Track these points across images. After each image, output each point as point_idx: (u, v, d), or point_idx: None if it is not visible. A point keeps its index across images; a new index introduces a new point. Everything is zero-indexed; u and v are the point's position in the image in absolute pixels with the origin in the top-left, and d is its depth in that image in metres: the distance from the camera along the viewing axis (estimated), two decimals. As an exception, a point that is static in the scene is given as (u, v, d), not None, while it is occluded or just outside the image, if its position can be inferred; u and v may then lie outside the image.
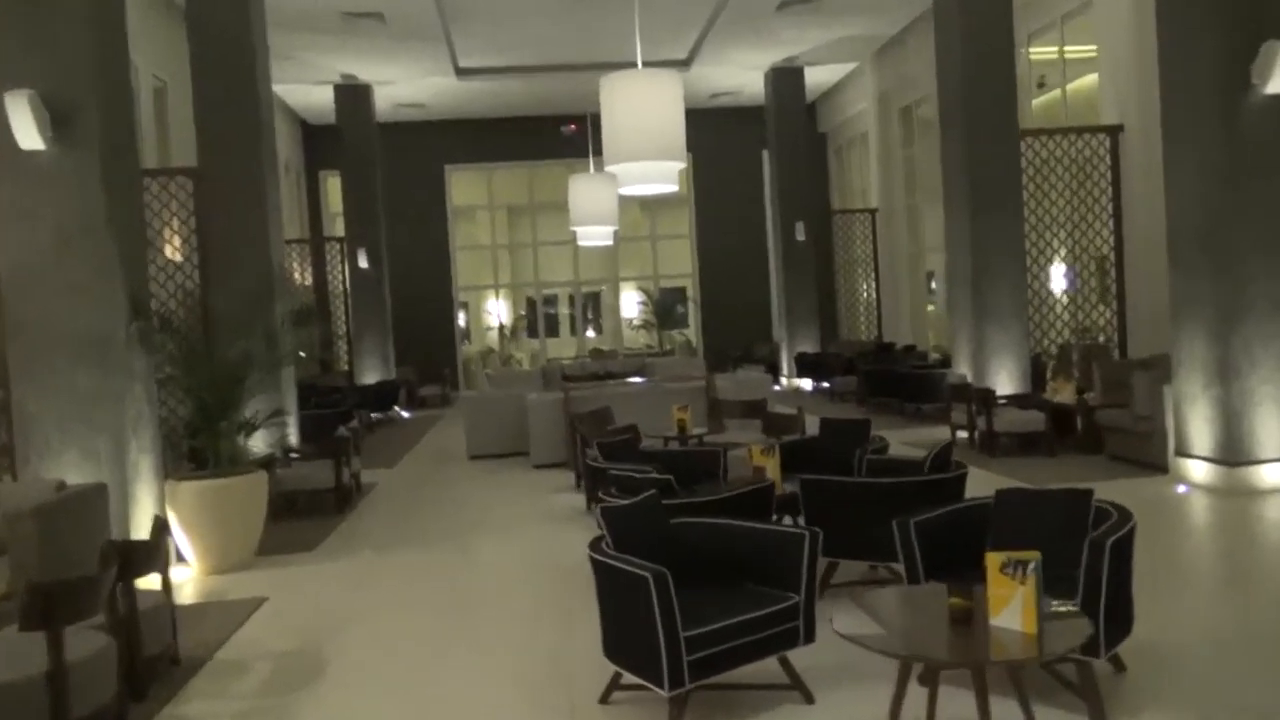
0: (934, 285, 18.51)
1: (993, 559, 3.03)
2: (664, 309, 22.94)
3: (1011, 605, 2.99)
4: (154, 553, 4.68)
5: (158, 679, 4.57)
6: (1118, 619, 3.59)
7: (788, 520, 5.68)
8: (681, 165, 8.18)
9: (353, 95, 17.65)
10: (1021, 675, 3.34)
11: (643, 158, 7.99)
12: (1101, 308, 12.13)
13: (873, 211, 19.25)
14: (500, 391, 11.80)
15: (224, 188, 9.85)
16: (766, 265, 22.28)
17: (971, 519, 4.11)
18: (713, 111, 21.22)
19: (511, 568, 6.58)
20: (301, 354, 10.06)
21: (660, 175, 8.34)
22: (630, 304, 25.64)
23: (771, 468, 5.55)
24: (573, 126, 20.87)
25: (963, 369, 11.15)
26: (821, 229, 19.56)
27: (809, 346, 18.36)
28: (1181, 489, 7.52)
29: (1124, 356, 11.39)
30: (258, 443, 8.79)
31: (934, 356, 16.06)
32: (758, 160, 21.87)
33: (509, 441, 11.30)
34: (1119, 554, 3.54)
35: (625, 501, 3.95)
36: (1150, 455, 8.11)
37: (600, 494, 4.78)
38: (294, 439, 9.92)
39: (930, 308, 18.51)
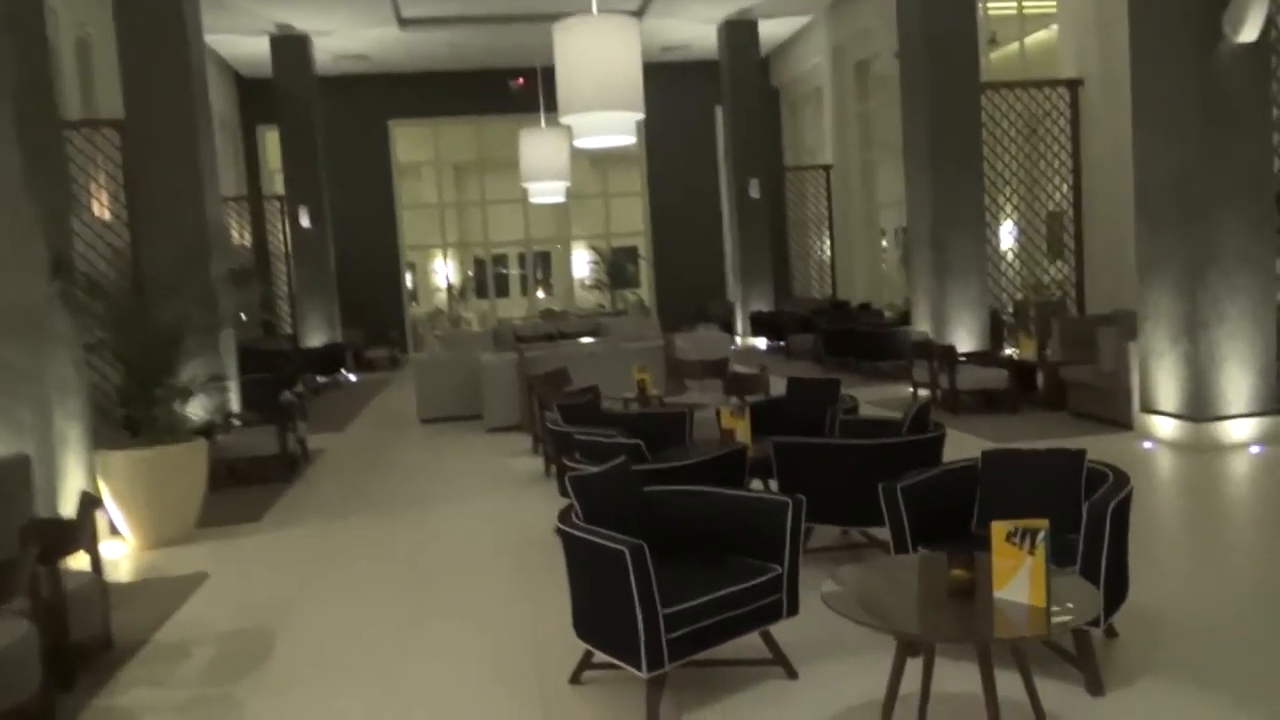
0: (885, 243, 18.43)
1: (999, 528, 2.83)
2: (616, 268, 22.59)
3: (1018, 577, 2.80)
4: (80, 530, 4.32)
5: (88, 667, 4.24)
6: (1115, 586, 3.43)
7: (757, 484, 5.48)
8: (640, 116, 7.88)
9: (290, 46, 16.89)
10: (1024, 649, 3.16)
11: (599, 108, 7.74)
12: (1060, 264, 12.09)
13: (827, 168, 19.04)
14: (452, 353, 11.43)
15: (153, 141, 9.27)
16: (720, 223, 22.04)
17: (958, 482, 3.92)
18: (664, 66, 20.70)
19: (471, 538, 6.30)
20: (242, 316, 9.59)
21: (617, 126, 8.06)
22: (581, 263, 25.26)
23: (742, 430, 5.33)
24: (521, 81, 20.29)
25: (923, 327, 11.04)
26: (775, 186, 19.32)
27: (763, 305, 18.21)
28: (1147, 445, 7.48)
29: (1082, 313, 11.37)
30: (196, 409, 8.36)
31: (889, 314, 16.02)
32: (710, 116, 21.51)
33: (462, 404, 10.97)
34: (1119, 519, 3.37)
35: (595, 469, 3.69)
36: (1115, 412, 8.06)
37: (564, 460, 4.51)
38: (236, 405, 9.48)
39: (884, 265, 18.44)
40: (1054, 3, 12.25)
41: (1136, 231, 7.72)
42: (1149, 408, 7.59)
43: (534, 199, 14.26)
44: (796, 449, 4.79)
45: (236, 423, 8.52)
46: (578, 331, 15.96)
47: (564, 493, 5.86)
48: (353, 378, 17.13)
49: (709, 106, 21.21)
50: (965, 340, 10.55)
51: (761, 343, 17.31)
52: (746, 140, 18.21)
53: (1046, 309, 11.71)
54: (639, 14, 17.56)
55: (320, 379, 15.25)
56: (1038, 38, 13.07)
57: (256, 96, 19.23)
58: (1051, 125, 11.45)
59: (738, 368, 8.82)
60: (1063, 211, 12.01)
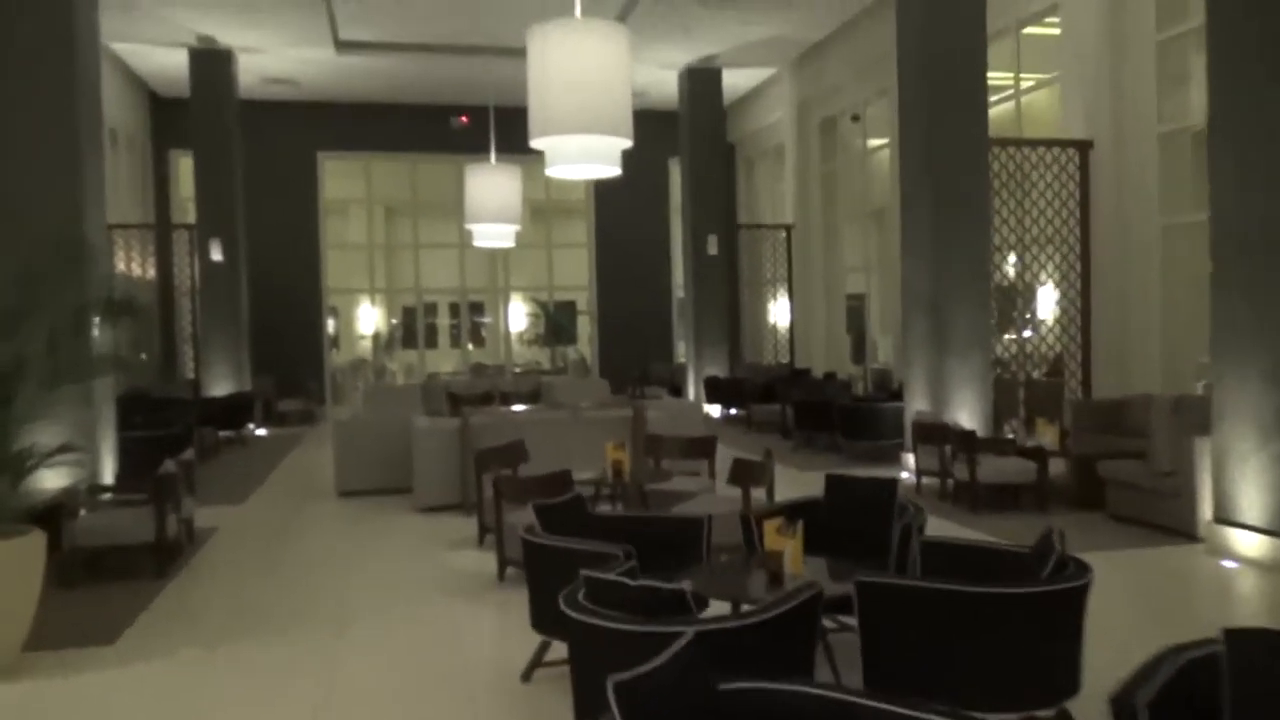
0: (869, 311, 17.43)
1: None
2: (556, 323, 21.14)
3: None
4: None
5: None
6: None
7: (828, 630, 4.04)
8: (628, 143, 6.55)
9: (211, 61, 15.22)
10: None
11: (581, 131, 6.45)
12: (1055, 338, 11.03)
13: (788, 228, 18.01)
14: (377, 414, 9.79)
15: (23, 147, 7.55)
16: (669, 280, 20.87)
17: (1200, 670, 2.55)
18: (618, 112, 19.63)
19: (405, 676, 4.70)
20: (141, 355, 7.87)
21: (601, 154, 6.73)
22: (517, 316, 23.75)
23: (793, 555, 3.91)
24: (464, 119, 18.95)
25: (919, 404, 9.83)
26: (728, 245, 18.19)
27: (717, 369, 16.95)
28: (1227, 564, 6.27)
29: (1088, 395, 10.32)
30: (50, 481, 6.62)
31: (860, 387, 14.90)
32: (663, 169, 20.46)
33: (388, 474, 9.33)
34: None
35: (651, 665, 2.22)
36: (1173, 519, 6.88)
37: (565, 604, 3.03)
38: (109, 473, 7.69)
39: (846, 332, 17.39)
40: (1051, 73, 11.46)
41: (1213, 300, 6.59)
42: (1226, 518, 6.40)
43: (479, 242, 12.78)
44: (892, 594, 3.38)
45: (106, 498, 6.76)
46: (518, 392, 14.44)
47: (539, 625, 4.35)
48: (261, 432, 15.25)
49: (662, 159, 20.16)
50: (965, 420, 9.36)
51: (715, 410, 15.99)
52: (705, 194, 17.11)
53: (1055, 389, 10.66)
54: (597, 54, 16.41)
55: (223, 433, 13.36)
56: (1034, 98, 12.23)
57: (171, 117, 17.44)
58: (1060, 189, 10.49)
59: (742, 453, 7.38)
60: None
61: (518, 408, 9.91)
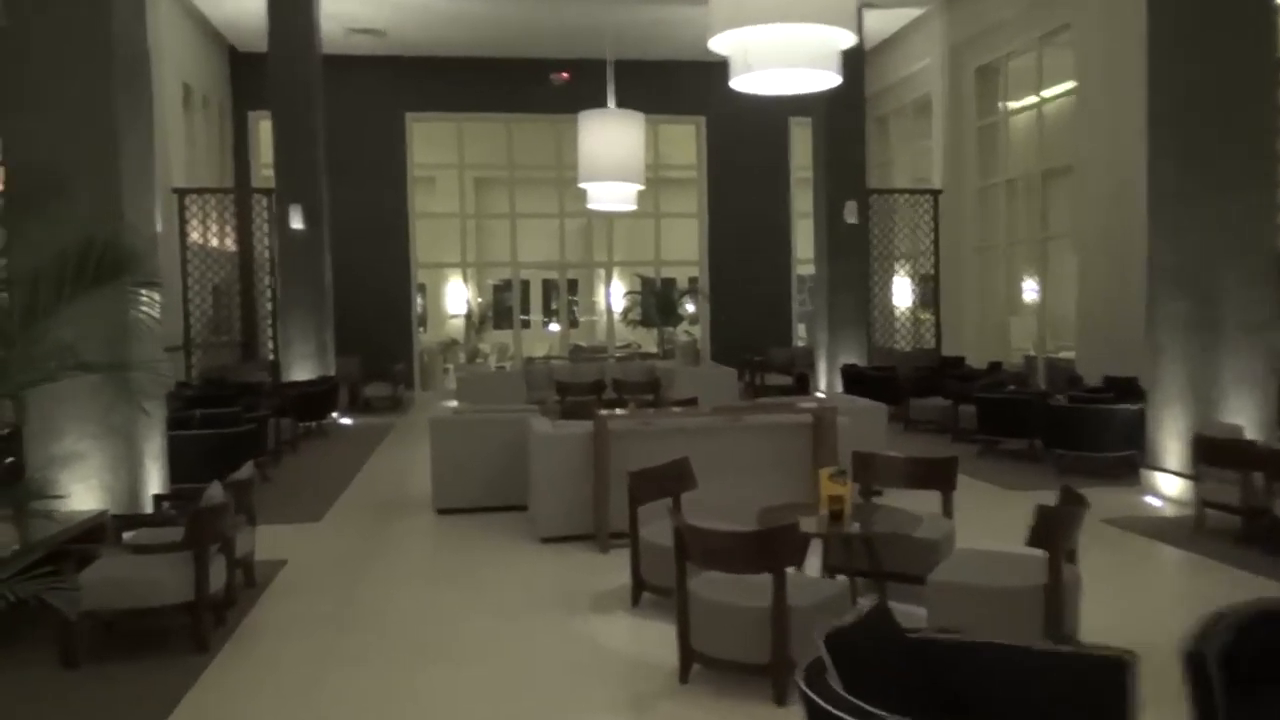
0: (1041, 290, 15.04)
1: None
2: (664, 301, 19.16)
3: None
4: None
5: None
6: None
7: None
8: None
9: (291, 4, 13.56)
10: None
11: (785, 19, 4.61)
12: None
13: (935, 193, 15.68)
14: (482, 415, 7.94)
15: (43, 92, 5.85)
16: (788, 254, 18.71)
17: None
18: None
19: None
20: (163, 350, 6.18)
21: (810, 55, 4.80)
22: (616, 294, 21.87)
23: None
24: (564, 76, 17.06)
25: (1171, 406, 7.58)
26: (860, 213, 15.90)
27: (853, 356, 14.79)
28: None
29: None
30: (82, 498, 4.96)
31: (1027, 379, 12.60)
32: (782, 128, 18.26)
33: (496, 487, 7.50)
34: None
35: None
36: None
37: None
38: (156, 484, 6.00)
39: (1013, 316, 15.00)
40: None
41: None
42: None
43: (594, 205, 10.88)
44: None
45: (129, 535, 5.03)
46: (631, 381, 12.57)
47: None
48: (345, 421, 13.67)
49: (781, 118, 17.96)
50: (1249, 431, 7.11)
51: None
52: (842, 154, 14.88)
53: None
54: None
55: (304, 425, 11.76)
56: None
57: (252, 75, 15.88)
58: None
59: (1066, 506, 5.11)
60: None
61: (663, 415, 7.92)
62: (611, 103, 10.89)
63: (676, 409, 7.61)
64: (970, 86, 15.02)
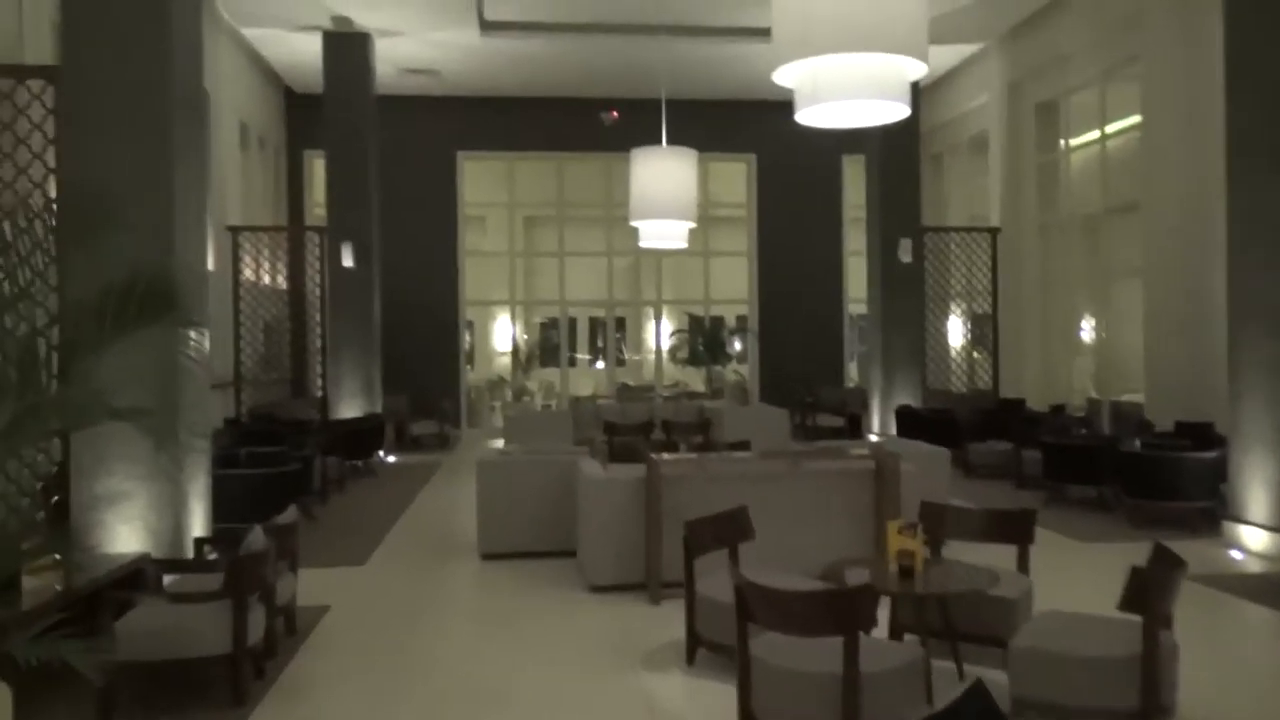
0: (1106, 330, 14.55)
1: None
2: (713, 340, 18.92)
3: None
4: None
5: None
6: None
7: None
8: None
9: (346, 46, 13.71)
10: None
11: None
12: None
13: (993, 231, 15.30)
14: (530, 458, 7.74)
15: (99, 125, 5.84)
16: (839, 292, 18.40)
17: None
18: (786, 106, 17.27)
19: None
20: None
21: (880, 85, 4.61)
22: (664, 333, 21.69)
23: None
24: (614, 114, 17.04)
25: (1255, 452, 7.15)
26: (918, 252, 15.57)
27: (908, 397, 14.42)
28: None
29: None
30: (126, 539, 4.84)
31: (1093, 422, 12.13)
32: (834, 165, 18.05)
33: (544, 530, 7.29)
34: None
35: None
36: None
37: None
38: (199, 527, 5.88)
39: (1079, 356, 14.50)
40: None
41: None
42: None
43: (646, 243, 10.73)
44: None
45: (167, 581, 4.88)
46: (681, 422, 12.33)
47: None
48: (392, 459, 13.58)
49: (834, 154, 17.77)
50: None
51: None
52: (898, 191, 14.65)
53: None
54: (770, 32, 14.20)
55: (351, 463, 11.68)
56: None
57: (306, 116, 16.07)
58: None
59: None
60: None
61: (717, 458, 7.66)
62: (664, 140, 10.78)
63: (734, 454, 7.32)
64: (1030, 122, 14.69)
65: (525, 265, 19.76)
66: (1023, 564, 5.02)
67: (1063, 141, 14.12)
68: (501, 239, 19.38)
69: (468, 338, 19.23)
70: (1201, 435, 8.77)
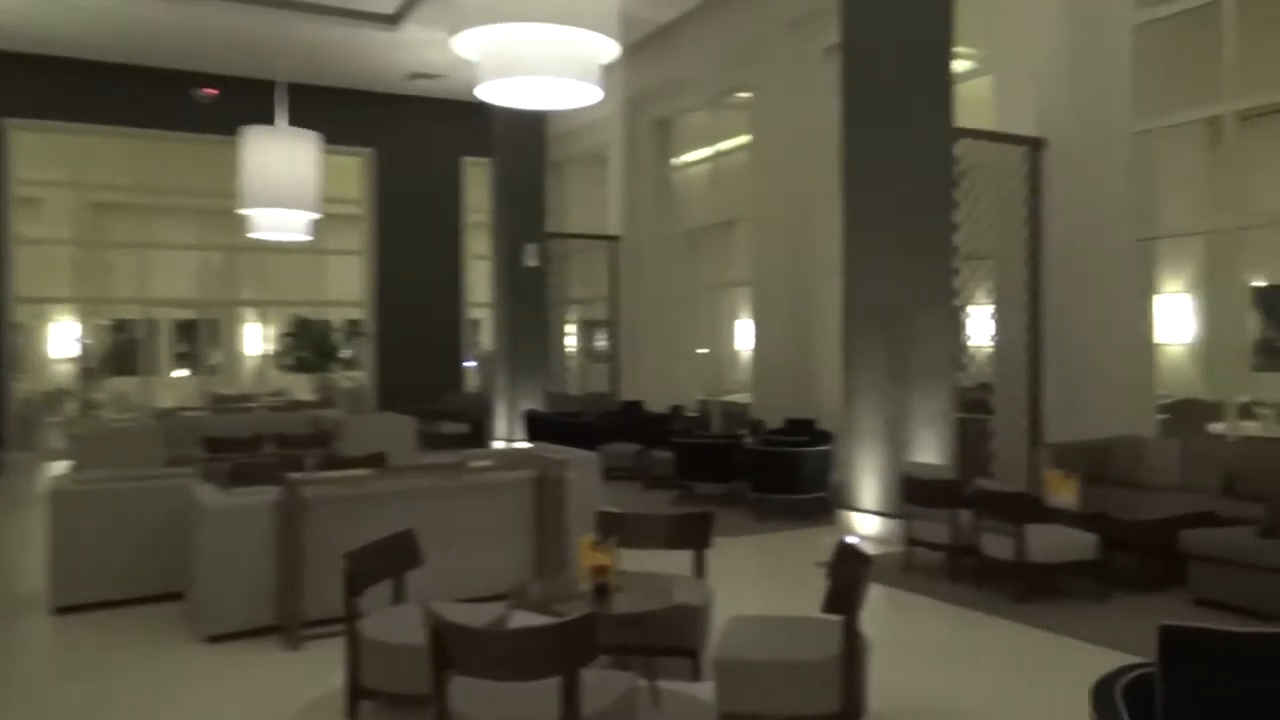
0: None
1: None
2: (322, 342, 17.52)
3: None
4: None
5: None
6: None
7: None
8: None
9: None
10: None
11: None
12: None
13: (612, 239, 15.73)
14: (123, 481, 6.32)
15: None
16: (459, 296, 17.94)
17: None
18: (409, 100, 16.60)
19: None
20: None
21: (568, 64, 4.24)
22: (265, 336, 19.75)
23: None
24: (213, 91, 15.19)
25: (865, 447, 7.82)
26: (546, 258, 15.58)
27: (532, 401, 14.35)
28: None
29: (1037, 439, 8.74)
30: None
31: (708, 422, 12.87)
32: (454, 166, 17.61)
33: (140, 573, 5.97)
34: None
35: None
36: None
37: None
38: None
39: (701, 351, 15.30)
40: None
41: None
42: None
43: (261, 234, 9.44)
44: None
45: None
46: (299, 434, 11.12)
47: None
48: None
49: (455, 154, 17.37)
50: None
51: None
52: (523, 196, 14.54)
53: (981, 430, 9.03)
54: (396, 18, 13.43)
55: None
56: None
57: None
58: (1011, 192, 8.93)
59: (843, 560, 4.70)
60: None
61: (346, 471, 6.79)
62: (285, 122, 9.59)
63: (393, 470, 6.51)
64: (647, 138, 15.30)
65: (94, 259, 16.87)
66: (699, 568, 4.89)
67: (674, 159, 14.91)
68: (62, 227, 16.37)
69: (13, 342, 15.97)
70: (810, 431, 9.52)
